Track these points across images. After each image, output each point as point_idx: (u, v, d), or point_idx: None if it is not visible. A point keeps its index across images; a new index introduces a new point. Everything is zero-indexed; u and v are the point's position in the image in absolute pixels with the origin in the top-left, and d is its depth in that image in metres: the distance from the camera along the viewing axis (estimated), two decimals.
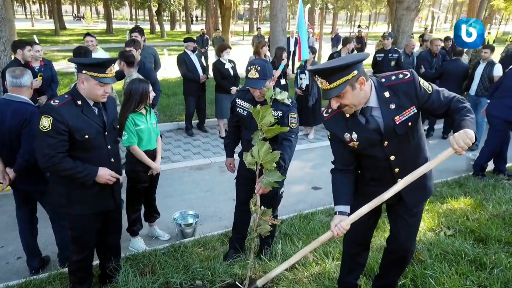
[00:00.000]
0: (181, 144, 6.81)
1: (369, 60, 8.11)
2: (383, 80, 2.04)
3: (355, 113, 2.04)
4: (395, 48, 7.93)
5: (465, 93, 6.83)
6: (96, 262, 3.06)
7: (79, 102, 2.45)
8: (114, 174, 2.65)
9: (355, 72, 1.86)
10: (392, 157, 2.09)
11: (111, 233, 2.92)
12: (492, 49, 6.27)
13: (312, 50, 6.68)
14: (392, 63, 7.56)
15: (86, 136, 2.45)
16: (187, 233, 3.90)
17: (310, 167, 5.93)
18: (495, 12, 33.48)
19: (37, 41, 18.16)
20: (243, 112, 2.98)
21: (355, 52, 9.17)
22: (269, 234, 2.79)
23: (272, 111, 2.59)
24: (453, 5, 64.75)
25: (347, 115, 2.06)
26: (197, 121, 7.49)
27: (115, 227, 2.96)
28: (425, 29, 21.15)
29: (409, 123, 2.03)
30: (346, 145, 2.12)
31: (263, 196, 2.53)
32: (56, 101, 2.42)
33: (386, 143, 2.05)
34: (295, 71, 7.10)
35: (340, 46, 8.14)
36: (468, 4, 23.61)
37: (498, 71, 6.16)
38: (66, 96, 2.47)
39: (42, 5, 62.72)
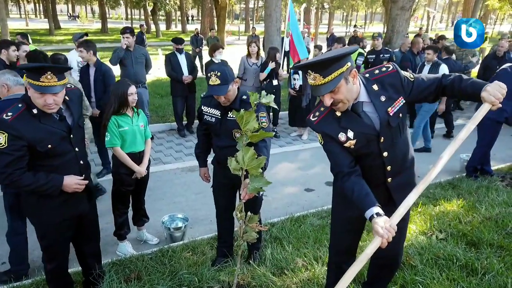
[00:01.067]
0: (173, 145, 6.74)
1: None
2: (367, 75, 2.02)
3: (347, 110, 1.98)
4: (386, 48, 7.91)
5: None
6: (79, 268, 2.99)
7: (35, 111, 2.24)
8: (82, 181, 2.48)
9: (349, 63, 1.81)
10: (385, 154, 2.04)
11: (88, 240, 2.80)
12: (435, 49, 6.07)
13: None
14: (385, 63, 7.48)
15: (49, 146, 2.27)
16: (176, 237, 3.84)
17: (303, 168, 5.88)
18: (490, 12, 33.61)
19: (30, 41, 18.01)
20: (211, 119, 2.88)
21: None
22: (257, 238, 2.72)
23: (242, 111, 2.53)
24: (449, 5, 65.01)
25: (338, 114, 1.99)
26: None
27: (92, 233, 2.83)
28: (420, 28, 21.14)
29: (400, 114, 2.01)
30: (342, 146, 2.04)
31: (246, 202, 2.47)
32: (9, 114, 2.19)
33: (382, 139, 2.00)
34: (289, 71, 7.05)
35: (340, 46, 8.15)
36: (463, 4, 23.68)
37: (443, 72, 6.04)
38: (20, 105, 2.25)
39: (37, 4, 62.35)
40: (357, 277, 2.92)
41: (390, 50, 7.91)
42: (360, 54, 8.32)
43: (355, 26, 30.95)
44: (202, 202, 4.73)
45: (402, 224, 2.26)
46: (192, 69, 6.80)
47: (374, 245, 1.87)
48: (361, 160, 2.09)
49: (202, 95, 2.96)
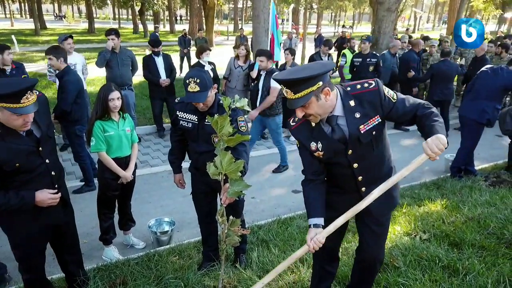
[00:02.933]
0: (160, 148, 6.71)
1: (349, 63, 8.14)
2: (349, 89, 2.04)
3: (320, 123, 2.05)
4: (374, 53, 7.64)
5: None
6: (63, 275, 2.97)
7: None
8: (56, 195, 2.41)
9: (320, 83, 1.85)
10: (355, 165, 2.09)
11: (67, 247, 2.76)
12: (268, 56, 5.38)
13: (291, 51, 6.63)
14: (371, 68, 7.34)
15: (17, 165, 2.19)
16: (162, 241, 3.82)
17: (292, 169, 5.91)
18: (475, 12, 34.12)
19: (15, 41, 17.74)
20: (187, 124, 2.84)
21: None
22: (241, 240, 2.72)
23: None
24: (435, 5, 65.84)
25: (313, 124, 2.06)
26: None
27: (71, 240, 2.77)
28: (407, 29, 21.38)
29: (373, 132, 2.03)
30: (312, 154, 2.12)
31: (227, 205, 2.48)
32: None
33: (350, 151, 2.05)
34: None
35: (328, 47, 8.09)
36: (449, 5, 24.00)
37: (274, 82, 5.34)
38: None
39: (22, 4, 61.42)
40: (342, 279, 2.95)
41: (377, 54, 7.67)
42: (343, 55, 8.38)
43: (343, 26, 31.14)
44: (190, 205, 4.66)
45: (379, 230, 2.30)
46: (170, 72, 6.71)
47: (300, 252, 2.14)
48: (332, 167, 2.17)
49: (176, 100, 2.93)
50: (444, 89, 7.06)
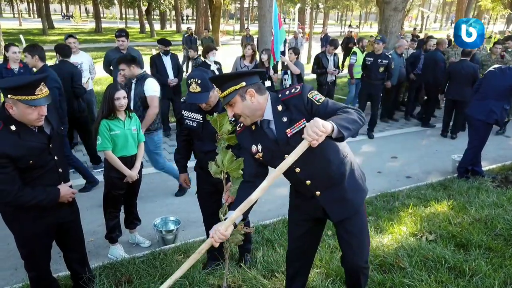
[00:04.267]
0: (166, 147, 6.73)
1: (359, 61, 8.11)
2: (280, 95, 2.10)
3: (259, 126, 2.10)
4: (386, 54, 7.39)
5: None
6: (69, 272, 2.99)
7: (13, 128, 2.19)
8: (74, 190, 2.51)
9: (243, 83, 1.96)
10: (298, 170, 2.09)
11: (72, 245, 2.79)
12: (128, 61, 4.12)
13: (295, 51, 6.62)
14: (381, 69, 7.18)
15: (30, 162, 2.23)
16: (168, 240, 3.84)
17: None
18: (483, 12, 33.84)
19: (23, 40, 17.88)
20: (192, 123, 2.88)
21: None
22: (246, 239, 2.71)
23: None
24: (443, 5, 65.40)
25: (253, 128, 2.11)
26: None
27: (75, 238, 2.80)
28: (414, 29, 21.32)
29: (302, 136, 1.93)
30: (253, 157, 2.15)
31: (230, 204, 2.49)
32: None
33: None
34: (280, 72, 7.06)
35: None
36: (456, 4, 23.84)
37: (150, 89, 4.15)
38: None
39: (30, 4, 61.98)
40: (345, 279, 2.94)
41: (390, 56, 7.39)
42: (353, 53, 8.34)
43: (349, 26, 31.08)
44: (195, 204, 4.65)
45: (349, 237, 2.26)
46: (178, 71, 6.73)
47: (205, 246, 2.05)
48: (285, 172, 2.10)
49: (182, 100, 2.95)
50: (459, 89, 6.87)
